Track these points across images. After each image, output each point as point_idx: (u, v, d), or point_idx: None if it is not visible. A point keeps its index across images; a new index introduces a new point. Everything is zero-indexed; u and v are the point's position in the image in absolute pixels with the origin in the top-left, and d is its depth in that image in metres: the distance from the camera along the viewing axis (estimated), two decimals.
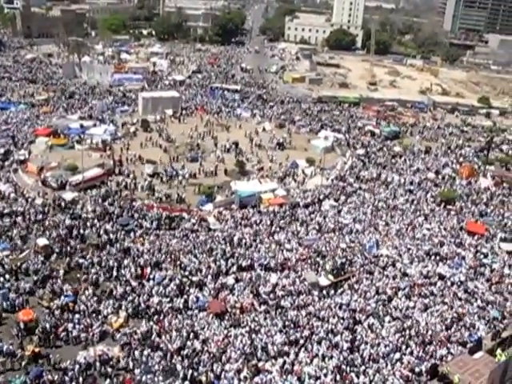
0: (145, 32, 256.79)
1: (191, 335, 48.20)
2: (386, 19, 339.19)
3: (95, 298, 52.46)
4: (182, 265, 59.33)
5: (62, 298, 51.77)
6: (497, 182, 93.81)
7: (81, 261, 58.51)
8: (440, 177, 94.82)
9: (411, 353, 48.54)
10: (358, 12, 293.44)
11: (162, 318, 50.57)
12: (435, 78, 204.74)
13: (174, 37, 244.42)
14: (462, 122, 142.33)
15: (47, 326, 47.69)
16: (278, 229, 70.58)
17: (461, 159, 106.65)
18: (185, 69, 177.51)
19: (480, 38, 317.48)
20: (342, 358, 46.71)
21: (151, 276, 56.59)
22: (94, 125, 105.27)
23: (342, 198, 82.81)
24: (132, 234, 65.40)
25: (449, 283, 60.99)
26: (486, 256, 67.96)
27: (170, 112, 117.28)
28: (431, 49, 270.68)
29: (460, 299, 57.84)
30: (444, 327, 52.64)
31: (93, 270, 56.92)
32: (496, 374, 40.24)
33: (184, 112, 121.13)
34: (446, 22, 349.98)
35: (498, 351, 45.35)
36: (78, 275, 56.13)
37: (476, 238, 72.56)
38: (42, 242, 60.55)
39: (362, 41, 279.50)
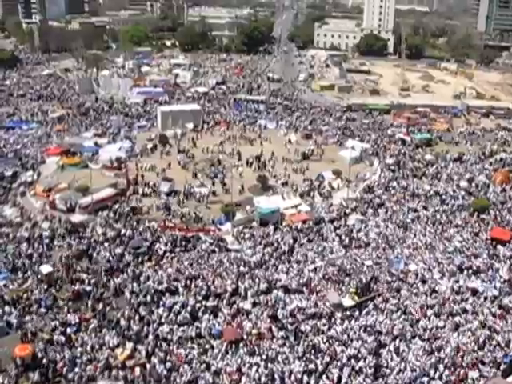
0: (168, 43, 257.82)
1: (203, 366, 46.34)
2: (418, 22, 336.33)
3: (100, 329, 50.77)
4: (196, 289, 57.50)
5: (66, 329, 50.28)
6: None
7: (88, 288, 56.93)
8: (473, 185, 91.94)
9: (440, 377, 46.29)
10: (389, 16, 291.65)
11: (172, 348, 48.77)
12: (470, 82, 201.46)
13: (198, 47, 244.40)
14: (496, 125, 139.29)
15: (44, 361, 46.13)
16: (300, 247, 68.70)
17: (496, 165, 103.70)
18: (209, 80, 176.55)
19: None
20: None
21: (161, 303, 54.92)
22: (109, 142, 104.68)
23: (370, 211, 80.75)
24: (144, 258, 63.86)
25: (482, 299, 58.45)
26: None
27: (190, 126, 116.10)
28: (465, 51, 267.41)
29: (494, 315, 55.31)
30: (476, 347, 50.19)
31: (99, 298, 55.47)
32: None
33: (206, 126, 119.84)
34: (480, 24, 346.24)
35: None
36: (83, 304, 54.56)
37: (511, 248, 69.84)
38: (46, 269, 59.00)
39: (393, 45, 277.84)
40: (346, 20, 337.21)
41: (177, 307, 54.01)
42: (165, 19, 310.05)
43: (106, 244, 66.08)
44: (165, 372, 45.57)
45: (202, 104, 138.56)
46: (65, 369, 45.61)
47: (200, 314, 53.74)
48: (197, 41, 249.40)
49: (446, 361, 48.09)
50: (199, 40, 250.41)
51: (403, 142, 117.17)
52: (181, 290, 57.41)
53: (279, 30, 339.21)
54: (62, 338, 49.09)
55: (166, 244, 67.22)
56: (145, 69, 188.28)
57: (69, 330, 50.14)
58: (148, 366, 46.30)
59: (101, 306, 54.25)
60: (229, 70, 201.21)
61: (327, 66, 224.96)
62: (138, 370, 45.91)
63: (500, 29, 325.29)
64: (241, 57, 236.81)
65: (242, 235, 71.93)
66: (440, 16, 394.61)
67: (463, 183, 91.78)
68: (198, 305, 54.78)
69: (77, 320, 51.56)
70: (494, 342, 51.05)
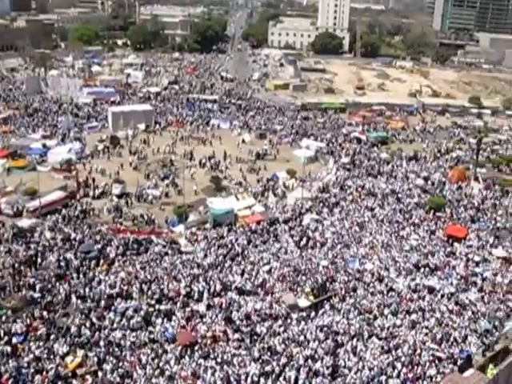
0: (119, 42, 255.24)
1: (157, 372, 45.80)
2: (374, 21, 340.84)
3: (49, 337, 49.26)
4: (149, 293, 56.77)
5: (11, 338, 48.55)
6: (488, 185, 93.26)
7: (36, 295, 55.26)
8: (429, 183, 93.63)
9: (398, 375, 46.77)
10: (344, 14, 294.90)
11: (124, 354, 47.96)
12: (425, 80, 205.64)
13: (151, 46, 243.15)
14: (452, 123, 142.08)
15: None
16: (254, 248, 68.51)
17: (451, 163, 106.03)
18: (161, 80, 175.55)
19: (470, 37, 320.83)
20: None
21: (113, 307, 53.95)
22: (58, 144, 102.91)
23: (325, 210, 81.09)
24: (95, 262, 62.31)
25: (439, 296, 59.72)
26: (477, 264, 66.94)
27: (142, 127, 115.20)
28: (421, 49, 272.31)
29: (451, 312, 56.59)
30: (433, 344, 51.11)
31: (48, 305, 53.98)
32: None
33: (158, 126, 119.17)
34: (436, 22, 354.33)
35: (490, 367, 44.08)
36: (31, 312, 52.63)
37: (467, 245, 71.83)
38: None
39: (348, 44, 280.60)
40: (301, 18, 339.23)
41: (129, 312, 53.21)
42: (116, 18, 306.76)
43: (55, 249, 64.45)
44: (118, 379, 44.78)
45: (154, 104, 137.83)
46: (10, 381, 44.00)
47: (153, 318, 53.12)
48: (149, 40, 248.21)
49: (403, 359, 48.57)
50: (151, 39, 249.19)
51: (359, 140, 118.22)
52: (133, 294, 56.65)
53: (233, 28, 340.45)
54: (8, 349, 47.22)
55: (117, 247, 65.92)
56: (95, 68, 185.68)
57: (15, 340, 48.45)
58: (100, 373, 45.43)
59: (50, 313, 52.94)
60: (182, 70, 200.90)
61: (281, 64, 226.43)
62: (89, 378, 45.00)
63: (455, 27, 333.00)
64: (194, 56, 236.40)
65: (195, 237, 71.29)
66: (396, 14, 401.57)
67: (419, 181, 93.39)
68: (151, 309, 54.16)
69: (24, 329, 49.98)
70: (452, 339, 52.02)
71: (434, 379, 46.46)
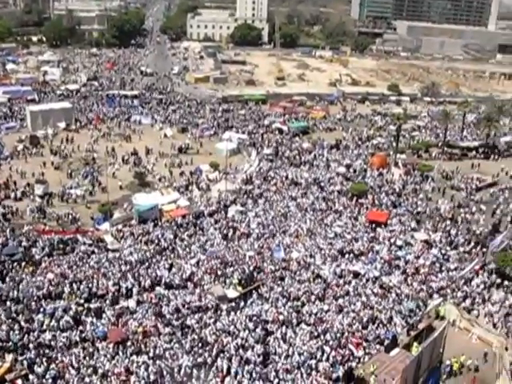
0: (34, 38, 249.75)
1: (90, 370, 46.06)
2: (292, 11, 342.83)
3: None
4: (78, 292, 56.85)
5: None
6: (407, 171, 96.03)
7: None
8: (351, 170, 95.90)
9: (327, 358, 48.41)
10: (262, 5, 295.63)
11: (56, 355, 47.91)
12: (345, 69, 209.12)
13: (67, 42, 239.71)
14: (372, 111, 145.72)
15: None
16: (181, 242, 69.41)
17: (372, 150, 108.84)
18: (79, 76, 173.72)
19: (388, 26, 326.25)
20: (254, 374, 45.99)
21: (42, 309, 53.67)
22: None
23: (249, 201, 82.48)
24: (20, 264, 61.76)
25: (364, 280, 61.89)
26: (400, 248, 69.36)
27: (62, 125, 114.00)
28: (340, 39, 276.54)
29: (376, 295, 58.74)
30: (360, 327, 53.05)
31: None
32: (409, 370, 40.25)
33: (78, 124, 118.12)
34: (354, 11, 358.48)
35: (415, 344, 46.21)
36: None
37: (389, 230, 74.28)
38: None
39: (268, 35, 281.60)
40: (220, 10, 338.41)
41: (58, 312, 53.09)
42: (29, 13, 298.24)
43: None
44: (50, 381, 44.83)
45: (74, 102, 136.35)
46: None
47: (83, 317, 53.26)
48: (65, 36, 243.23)
49: (331, 343, 50.32)
50: (67, 35, 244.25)
51: (280, 131, 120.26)
52: (62, 294, 56.59)
53: (151, 22, 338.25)
54: None
55: (42, 248, 65.69)
56: (10, 66, 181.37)
57: None
58: (31, 376, 45.23)
59: None
60: (100, 66, 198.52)
61: (201, 57, 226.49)
62: (19, 383, 44.79)
63: (373, 16, 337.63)
64: (113, 51, 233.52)
65: (121, 234, 71.66)
66: (314, 3, 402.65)
67: (341, 169, 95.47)
68: (80, 308, 54.21)
69: None
70: (378, 321, 54.19)
71: (361, 360, 48.24)
